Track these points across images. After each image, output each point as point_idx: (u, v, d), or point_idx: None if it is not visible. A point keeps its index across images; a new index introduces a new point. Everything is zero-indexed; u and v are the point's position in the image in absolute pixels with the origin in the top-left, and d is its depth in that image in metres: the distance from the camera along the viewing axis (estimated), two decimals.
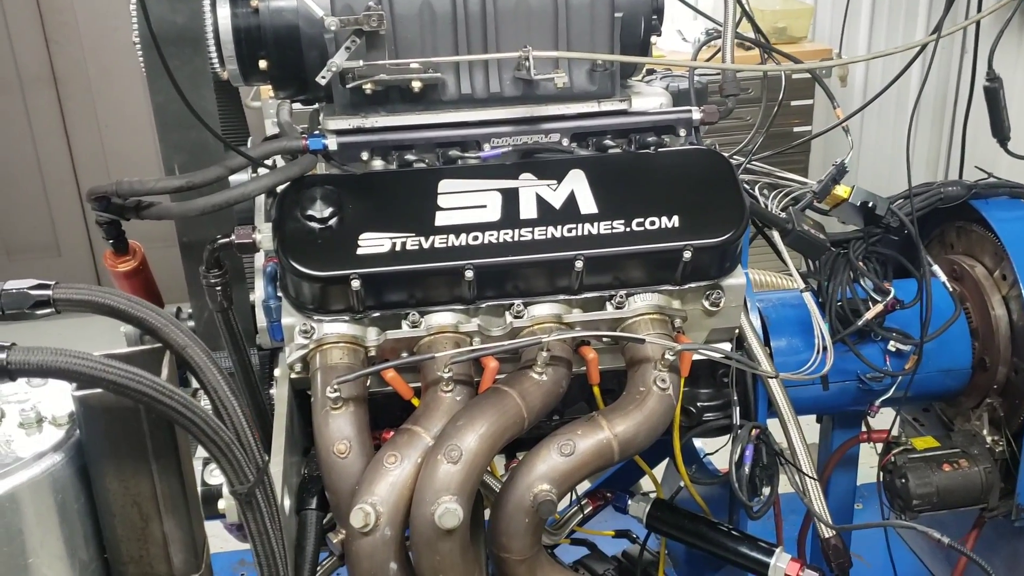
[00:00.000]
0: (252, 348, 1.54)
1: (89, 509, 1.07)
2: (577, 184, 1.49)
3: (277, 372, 1.50)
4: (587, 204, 1.47)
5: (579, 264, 1.42)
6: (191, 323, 1.60)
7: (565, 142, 1.56)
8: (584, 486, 1.74)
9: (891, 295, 1.72)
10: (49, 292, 0.99)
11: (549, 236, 1.44)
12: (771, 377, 1.59)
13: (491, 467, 1.47)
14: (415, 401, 1.44)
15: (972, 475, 1.79)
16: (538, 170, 1.50)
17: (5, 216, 4.72)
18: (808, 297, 1.67)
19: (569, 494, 1.54)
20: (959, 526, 1.91)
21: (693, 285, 1.50)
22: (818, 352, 1.62)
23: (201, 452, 1.12)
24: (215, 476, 1.41)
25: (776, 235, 1.69)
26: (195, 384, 1.11)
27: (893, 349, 1.77)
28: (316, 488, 1.45)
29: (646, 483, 1.96)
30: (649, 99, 1.60)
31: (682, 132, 1.60)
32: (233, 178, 1.47)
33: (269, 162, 1.48)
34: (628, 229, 1.45)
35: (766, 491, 1.59)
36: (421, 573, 1.35)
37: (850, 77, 4.20)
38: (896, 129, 4.21)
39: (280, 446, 1.38)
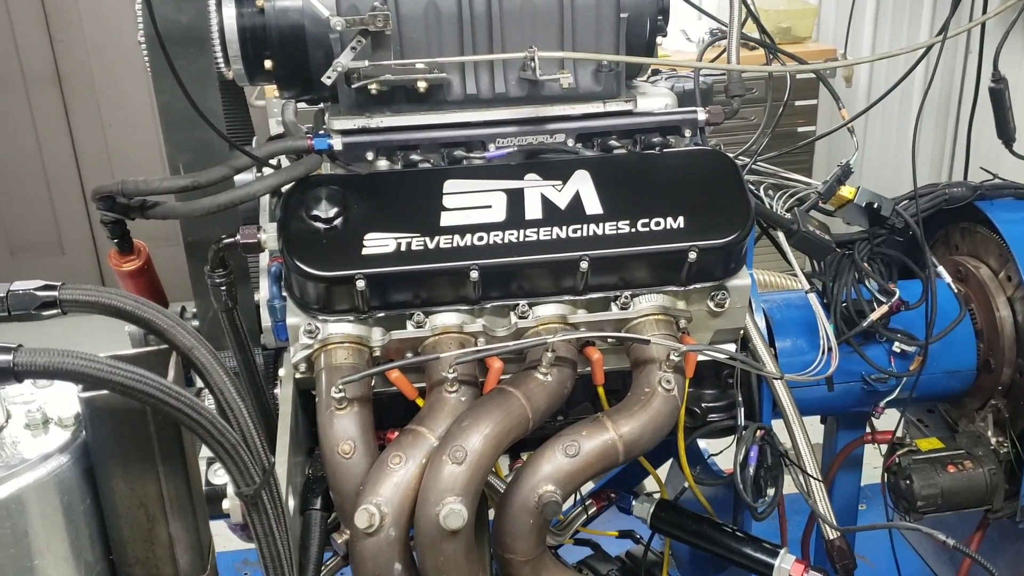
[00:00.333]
0: (256, 348, 1.54)
1: (95, 511, 1.07)
2: (582, 185, 1.49)
3: (281, 372, 1.49)
4: (592, 205, 1.47)
5: (584, 265, 1.42)
6: (195, 323, 1.60)
7: (570, 142, 1.56)
8: (587, 486, 1.74)
9: (896, 296, 1.72)
10: (55, 293, 0.98)
11: (554, 237, 1.44)
12: (776, 378, 1.58)
13: (495, 468, 1.46)
14: (419, 401, 1.44)
15: (976, 477, 1.79)
16: (543, 170, 1.50)
17: (9, 215, 4.72)
18: (813, 298, 1.67)
19: (573, 495, 1.54)
20: (963, 527, 1.91)
21: (698, 286, 1.50)
22: (823, 353, 1.62)
23: (204, 451, 1.12)
24: (219, 476, 1.41)
25: (781, 236, 1.69)
26: (199, 384, 1.11)
27: (898, 350, 1.77)
28: (320, 488, 1.45)
29: (650, 483, 1.96)
30: (654, 100, 1.60)
31: (687, 133, 1.60)
32: (238, 178, 1.47)
33: (274, 162, 1.48)
34: (633, 230, 1.45)
35: (770, 492, 1.59)
36: (425, 574, 1.35)
37: (854, 78, 4.19)
38: (899, 130, 4.20)
39: (284, 446, 1.38)
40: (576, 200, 1.47)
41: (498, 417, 1.35)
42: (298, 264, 1.39)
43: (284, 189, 1.47)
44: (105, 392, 0.98)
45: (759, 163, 1.84)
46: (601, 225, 1.45)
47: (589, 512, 1.83)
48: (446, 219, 1.44)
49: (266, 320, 1.48)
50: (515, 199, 1.46)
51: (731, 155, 1.61)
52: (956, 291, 1.85)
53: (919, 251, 1.77)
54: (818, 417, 2.04)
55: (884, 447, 1.91)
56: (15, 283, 1.00)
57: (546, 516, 1.37)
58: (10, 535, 0.99)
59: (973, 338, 1.87)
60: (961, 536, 1.78)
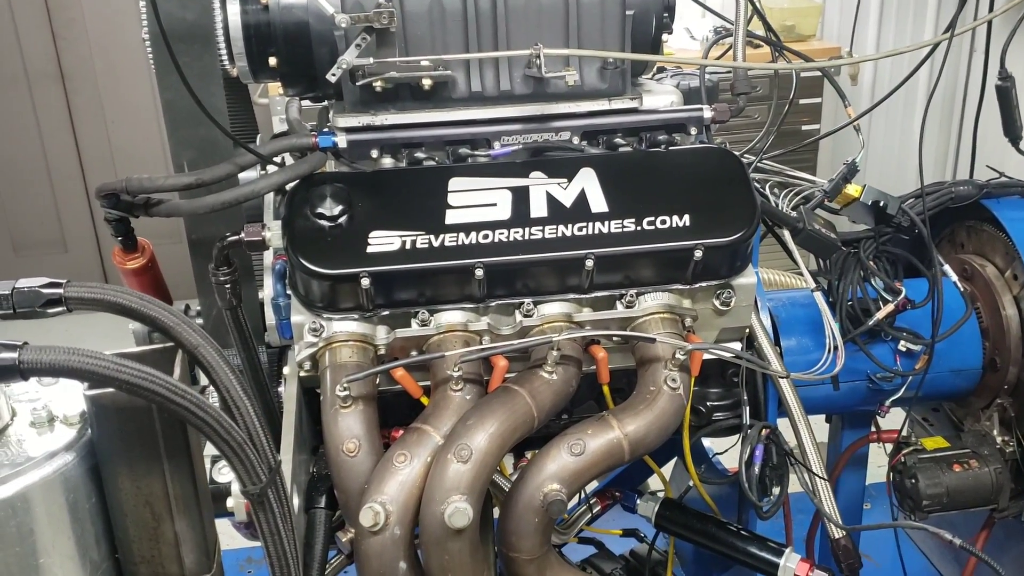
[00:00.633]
0: (261, 346, 1.54)
1: (101, 509, 1.07)
2: (588, 183, 1.48)
3: (286, 370, 1.49)
4: (598, 203, 1.47)
5: (589, 263, 1.42)
6: (199, 321, 1.60)
7: (576, 140, 1.55)
8: (592, 485, 1.74)
9: (902, 295, 1.72)
10: (61, 291, 0.98)
11: (560, 235, 1.43)
12: (782, 377, 1.58)
13: (500, 466, 1.46)
14: (424, 400, 1.43)
15: (982, 476, 1.78)
16: (548, 168, 1.50)
17: (12, 212, 4.72)
18: (819, 296, 1.66)
19: (578, 493, 1.54)
20: (968, 526, 1.90)
21: (704, 284, 1.49)
22: (829, 352, 1.61)
23: (209, 449, 1.12)
24: (223, 474, 1.41)
25: (787, 234, 1.68)
26: (203, 381, 1.10)
27: (903, 349, 1.76)
28: (325, 486, 1.45)
29: (654, 482, 1.95)
30: (660, 97, 1.59)
31: (693, 130, 1.59)
32: (243, 175, 1.46)
33: (278, 159, 1.48)
34: (639, 228, 1.44)
35: (776, 491, 1.59)
36: (430, 572, 1.34)
37: (859, 75, 4.18)
38: (903, 128, 4.20)
39: (289, 444, 1.38)
40: (581, 198, 1.47)
41: (503, 416, 1.35)
42: (303, 262, 1.39)
43: (288, 187, 1.46)
44: (111, 390, 0.97)
45: (764, 161, 1.84)
46: (607, 223, 1.44)
47: (593, 511, 1.83)
48: (451, 217, 1.43)
49: (270, 318, 1.48)
50: (520, 197, 1.46)
51: (736, 153, 1.60)
52: (962, 290, 1.85)
53: (925, 249, 1.77)
54: (823, 416, 2.03)
55: (889, 446, 1.90)
56: (20, 280, 1.00)
57: (551, 515, 1.36)
58: (16, 533, 0.99)
59: (979, 337, 1.86)
60: (966, 535, 1.77)
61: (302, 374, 1.46)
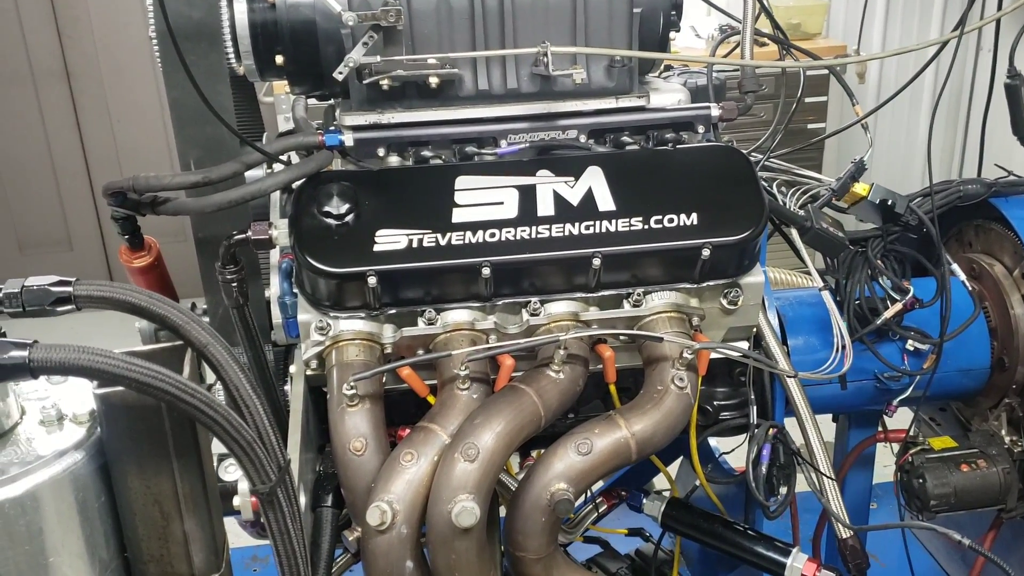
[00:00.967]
0: (267, 344, 1.54)
1: (110, 508, 1.07)
2: (595, 181, 1.48)
3: (292, 369, 1.49)
4: (605, 201, 1.46)
5: (597, 262, 1.42)
6: (206, 319, 1.60)
7: (583, 139, 1.55)
8: (598, 484, 1.73)
9: (910, 294, 1.71)
10: (70, 289, 0.98)
11: (567, 233, 1.43)
12: (790, 376, 1.57)
13: (507, 465, 1.46)
14: (431, 399, 1.43)
15: (990, 476, 1.78)
16: (555, 167, 1.49)
17: (18, 211, 4.73)
18: (826, 295, 1.66)
19: (584, 493, 1.54)
20: (975, 527, 1.90)
21: (711, 283, 1.49)
22: (837, 351, 1.61)
23: (216, 447, 1.11)
24: (230, 472, 1.41)
25: (794, 233, 1.68)
26: (210, 379, 1.10)
27: (911, 348, 1.76)
28: (331, 485, 1.44)
29: (660, 481, 1.95)
30: (667, 95, 1.59)
31: (700, 129, 1.59)
32: (249, 174, 1.46)
33: (285, 158, 1.48)
34: (646, 227, 1.44)
35: (783, 490, 1.58)
36: (437, 571, 1.34)
37: (866, 74, 4.17)
38: (909, 127, 4.18)
39: (296, 443, 1.37)
40: (588, 197, 1.47)
41: (510, 415, 1.35)
42: (309, 260, 1.38)
43: (295, 185, 1.46)
44: (120, 388, 0.97)
45: (771, 159, 1.83)
46: (614, 222, 1.44)
47: (600, 510, 1.82)
48: (458, 216, 1.43)
49: (277, 317, 1.48)
50: (527, 195, 1.46)
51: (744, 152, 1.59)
52: (970, 289, 1.84)
53: (933, 248, 1.76)
54: (829, 415, 2.03)
55: (895, 446, 1.90)
56: (29, 279, 1.00)
57: (558, 514, 1.36)
58: (25, 532, 0.99)
59: (987, 336, 1.86)
60: (973, 535, 1.77)
61: (309, 373, 1.45)
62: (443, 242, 1.41)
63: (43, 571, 1.00)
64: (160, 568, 1.07)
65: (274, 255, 1.51)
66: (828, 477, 1.59)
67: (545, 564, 1.41)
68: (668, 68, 1.85)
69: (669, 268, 1.47)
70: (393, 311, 1.43)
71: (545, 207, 1.45)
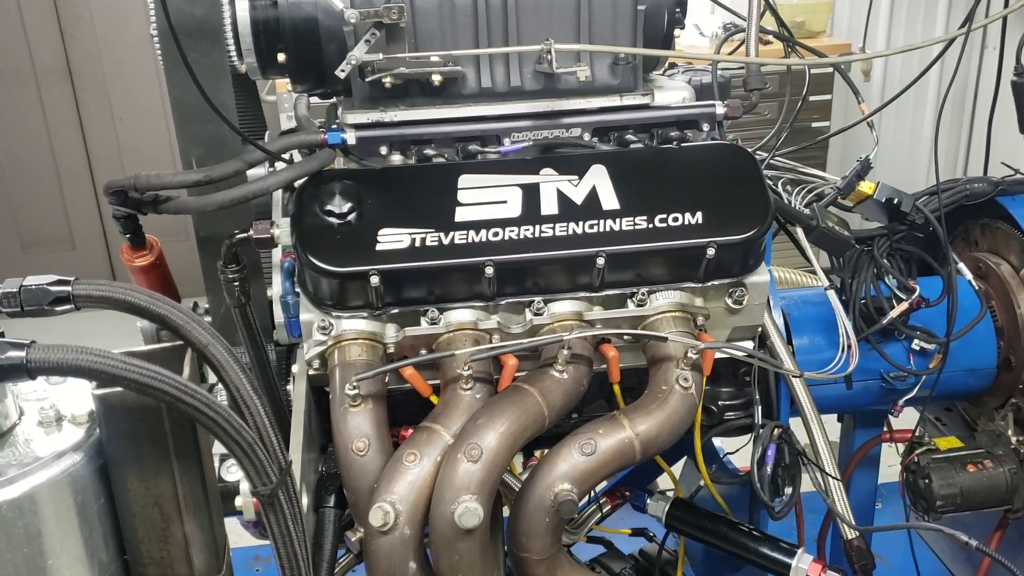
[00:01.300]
0: (269, 344, 1.53)
1: (109, 509, 1.06)
2: (599, 180, 1.47)
3: (295, 368, 1.48)
4: (609, 200, 1.45)
5: (601, 261, 1.40)
6: (208, 319, 1.59)
7: (586, 137, 1.54)
8: (601, 484, 1.73)
9: (916, 293, 1.70)
10: (69, 288, 0.97)
11: (570, 232, 1.42)
12: (795, 376, 1.56)
13: (510, 466, 1.45)
14: (434, 399, 1.42)
15: (997, 476, 1.77)
16: (559, 165, 1.48)
17: (20, 209, 4.73)
18: (832, 295, 1.65)
19: (588, 493, 1.53)
20: (981, 527, 1.89)
21: (716, 283, 1.48)
22: (842, 351, 1.60)
23: (217, 448, 1.11)
24: (232, 473, 1.40)
25: (800, 231, 1.67)
26: (212, 380, 1.09)
27: (917, 348, 1.74)
28: (334, 486, 1.44)
29: (664, 481, 1.94)
30: (672, 93, 1.58)
31: (705, 127, 1.57)
32: (251, 172, 1.45)
33: (287, 156, 1.47)
34: (651, 226, 1.43)
35: (788, 491, 1.57)
36: (440, 572, 1.34)
37: (871, 72, 4.16)
38: (914, 125, 4.17)
39: (298, 443, 1.37)
40: (592, 195, 1.46)
41: (514, 415, 1.34)
42: (311, 260, 1.38)
43: (297, 184, 1.45)
44: (119, 389, 0.96)
45: (776, 158, 1.82)
46: (618, 221, 1.43)
47: (603, 510, 1.81)
48: (461, 214, 1.42)
49: (279, 316, 1.47)
50: (531, 194, 1.45)
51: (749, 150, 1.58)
52: (976, 288, 1.83)
53: (939, 247, 1.75)
54: (835, 415, 2.02)
55: (901, 446, 1.88)
56: (28, 278, 0.99)
57: (562, 515, 1.35)
58: (23, 534, 0.98)
59: (993, 336, 1.84)
60: (979, 536, 1.76)
61: (311, 372, 1.45)
62: (446, 241, 1.40)
63: (42, 574, 0.99)
64: (160, 570, 1.06)
65: (276, 254, 1.50)
66: (833, 477, 1.58)
67: (549, 565, 1.40)
68: (672, 66, 1.84)
69: (673, 267, 1.46)
70: (396, 311, 1.43)
71: (549, 206, 1.44)
